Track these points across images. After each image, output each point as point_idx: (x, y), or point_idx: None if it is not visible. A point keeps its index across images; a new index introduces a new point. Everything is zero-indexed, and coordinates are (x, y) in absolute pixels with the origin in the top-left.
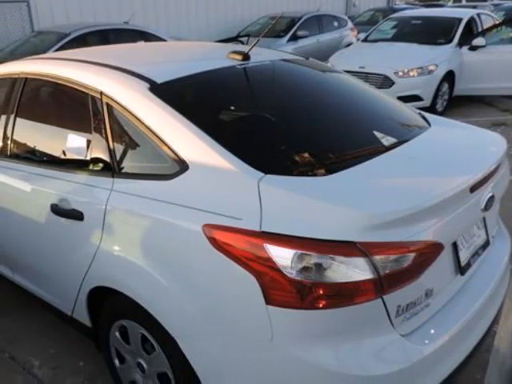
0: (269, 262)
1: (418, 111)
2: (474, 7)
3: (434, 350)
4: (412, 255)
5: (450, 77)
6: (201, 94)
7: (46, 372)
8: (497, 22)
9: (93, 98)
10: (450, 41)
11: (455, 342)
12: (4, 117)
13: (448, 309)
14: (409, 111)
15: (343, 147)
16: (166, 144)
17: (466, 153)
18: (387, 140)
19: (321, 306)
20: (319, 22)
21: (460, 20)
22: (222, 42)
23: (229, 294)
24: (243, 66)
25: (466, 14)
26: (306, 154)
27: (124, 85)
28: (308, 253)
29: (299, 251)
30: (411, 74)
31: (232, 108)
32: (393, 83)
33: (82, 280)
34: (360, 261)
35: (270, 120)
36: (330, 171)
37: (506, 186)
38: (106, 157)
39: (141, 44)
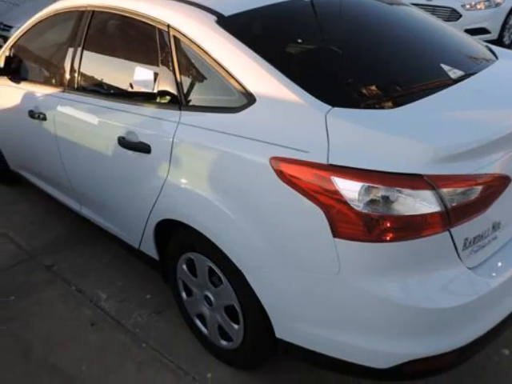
0: (336, 195)
1: (485, 44)
2: None
3: (501, 282)
4: (479, 188)
5: None
6: (268, 26)
7: (113, 305)
8: None
9: (160, 30)
10: None
11: None
12: (71, 50)
13: None
14: (476, 44)
15: (410, 80)
16: (233, 77)
17: None
18: (454, 73)
19: (388, 238)
20: None
21: None
22: None
23: (296, 226)
24: None
25: None
26: (374, 87)
27: (191, 17)
28: (375, 185)
29: (366, 184)
30: (478, 6)
31: (299, 41)
32: (460, 16)
33: (149, 213)
34: (427, 193)
35: (338, 53)
36: (398, 104)
37: None
38: (173, 90)
39: None
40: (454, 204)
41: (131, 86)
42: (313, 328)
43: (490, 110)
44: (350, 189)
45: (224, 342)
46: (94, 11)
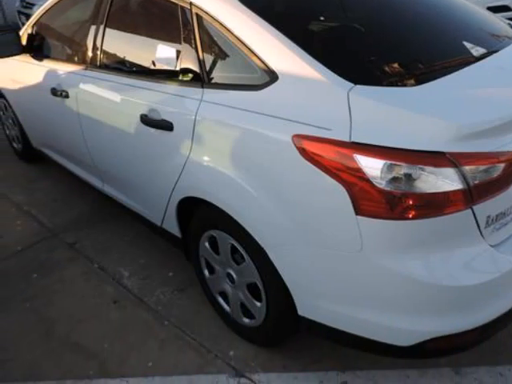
0: (358, 173)
1: (508, 22)
2: None
3: None
4: (501, 165)
5: None
6: (290, 3)
7: (135, 282)
8: None
9: (182, 8)
10: None
11: None
12: (94, 27)
13: None
14: (498, 21)
15: (433, 57)
16: (255, 54)
17: None
18: (477, 50)
19: (410, 216)
20: None
21: None
22: None
23: (318, 204)
24: None
25: None
26: (396, 65)
27: None
28: (398, 163)
29: (389, 161)
30: None
31: (321, 18)
32: None
33: (171, 190)
34: (450, 171)
35: (360, 30)
36: (420, 81)
37: None
38: (195, 67)
39: None
40: (476, 181)
41: (154, 63)
42: (335, 306)
43: None
44: (372, 166)
45: (246, 320)
46: None
